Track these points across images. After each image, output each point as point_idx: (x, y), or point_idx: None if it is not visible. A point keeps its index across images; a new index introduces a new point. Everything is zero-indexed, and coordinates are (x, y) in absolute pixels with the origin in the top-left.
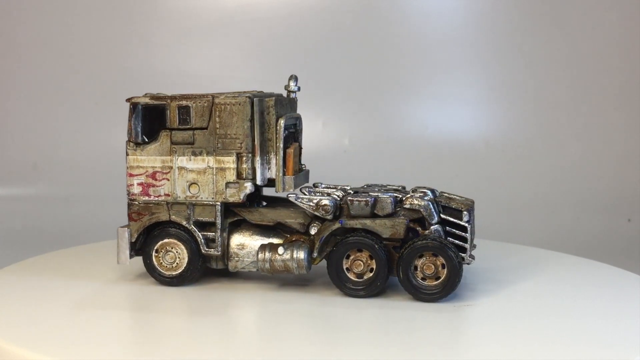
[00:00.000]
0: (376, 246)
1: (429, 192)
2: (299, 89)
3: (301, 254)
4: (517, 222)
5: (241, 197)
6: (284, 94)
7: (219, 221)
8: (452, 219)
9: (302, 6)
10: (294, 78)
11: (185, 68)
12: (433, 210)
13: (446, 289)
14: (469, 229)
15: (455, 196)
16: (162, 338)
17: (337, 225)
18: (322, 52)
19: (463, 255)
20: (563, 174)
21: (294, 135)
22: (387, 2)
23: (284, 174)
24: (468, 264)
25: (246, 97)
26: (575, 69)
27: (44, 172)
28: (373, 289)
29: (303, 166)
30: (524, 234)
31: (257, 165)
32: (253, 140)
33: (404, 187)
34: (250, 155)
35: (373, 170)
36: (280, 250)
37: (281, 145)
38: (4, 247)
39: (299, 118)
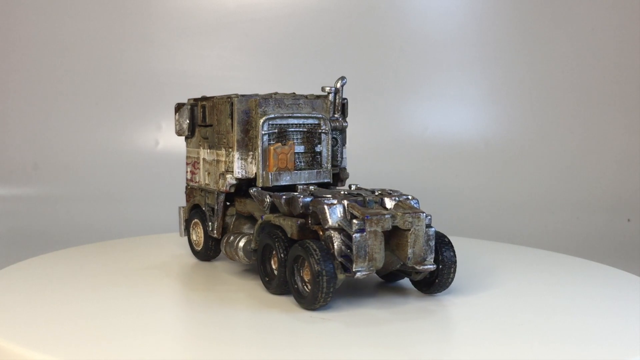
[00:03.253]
0: (276, 244)
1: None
2: (335, 90)
3: (240, 244)
4: (517, 222)
5: (226, 187)
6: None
7: (216, 207)
8: (344, 226)
9: (302, 7)
10: (342, 78)
11: (185, 68)
12: (328, 214)
13: (308, 298)
14: (354, 238)
15: (406, 205)
16: (160, 341)
17: (259, 220)
18: (322, 52)
19: (349, 266)
20: (563, 174)
21: (306, 134)
22: (387, 3)
23: (263, 170)
24: (351, 276)
25: (227, 97)
26: (575, 70)
27: (44, 172)
28: (277, 287)
29: (324, 167)
30: (524, 234)
31: (235, 159)
32: (233, 137)
33: (391, 192)
34: (231, 150)
35: (373, 170)
36: (231, 238)
37: (260, 143)
38: (4, 247)
39: (322, 119)
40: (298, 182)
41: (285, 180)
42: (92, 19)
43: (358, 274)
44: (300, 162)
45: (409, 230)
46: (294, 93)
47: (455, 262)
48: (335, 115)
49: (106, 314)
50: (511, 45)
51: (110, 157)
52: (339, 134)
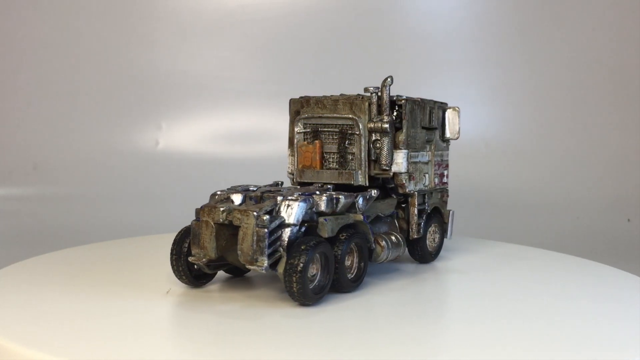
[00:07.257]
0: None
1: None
2: (377, 89)
3: None
4: (517, 222)
5: (294, 180)
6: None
7: None
8: None
9: (302, 6)
10: (389, 77)
11: (185, 68)
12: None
13: None
14: (191, 225)
15: (258, 205)
16: (160, 341)
17: None
18: (322, 52)
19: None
20: (563, 174)
21: (339, 135)
22: (387, 3)
23: (296, 166)
24: (196, 266)
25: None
26: (575, 70)
27: (44, 172)
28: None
29: (354, 169)
30: (524, 234)
31: (288, 155)
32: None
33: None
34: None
35: None
36: None
37: (295, 142)
38: (4, 247)
39: (354, 120)
40: (319, 181)
41: (308, 177)
42: (92, 19)
43: (190, 258)
44: (332, 162)
45: (240, 227)
46: (362, 96)
47: (297, 272)
48: (380, 117)
49: (106, 313)
50: (511, 46)
51: (110, 157)
52: (384, 135)
